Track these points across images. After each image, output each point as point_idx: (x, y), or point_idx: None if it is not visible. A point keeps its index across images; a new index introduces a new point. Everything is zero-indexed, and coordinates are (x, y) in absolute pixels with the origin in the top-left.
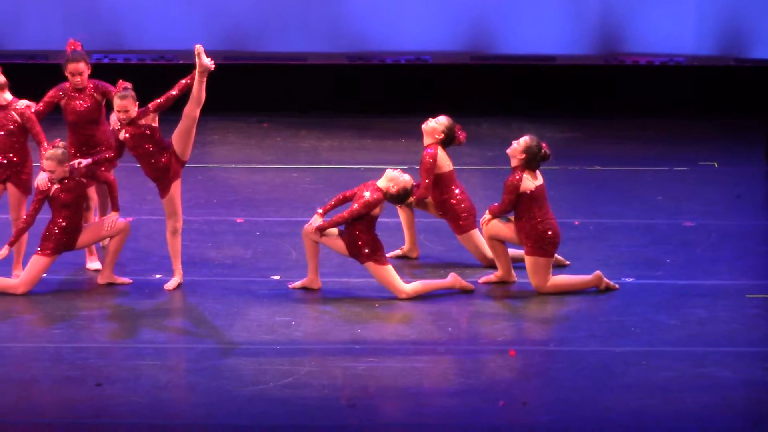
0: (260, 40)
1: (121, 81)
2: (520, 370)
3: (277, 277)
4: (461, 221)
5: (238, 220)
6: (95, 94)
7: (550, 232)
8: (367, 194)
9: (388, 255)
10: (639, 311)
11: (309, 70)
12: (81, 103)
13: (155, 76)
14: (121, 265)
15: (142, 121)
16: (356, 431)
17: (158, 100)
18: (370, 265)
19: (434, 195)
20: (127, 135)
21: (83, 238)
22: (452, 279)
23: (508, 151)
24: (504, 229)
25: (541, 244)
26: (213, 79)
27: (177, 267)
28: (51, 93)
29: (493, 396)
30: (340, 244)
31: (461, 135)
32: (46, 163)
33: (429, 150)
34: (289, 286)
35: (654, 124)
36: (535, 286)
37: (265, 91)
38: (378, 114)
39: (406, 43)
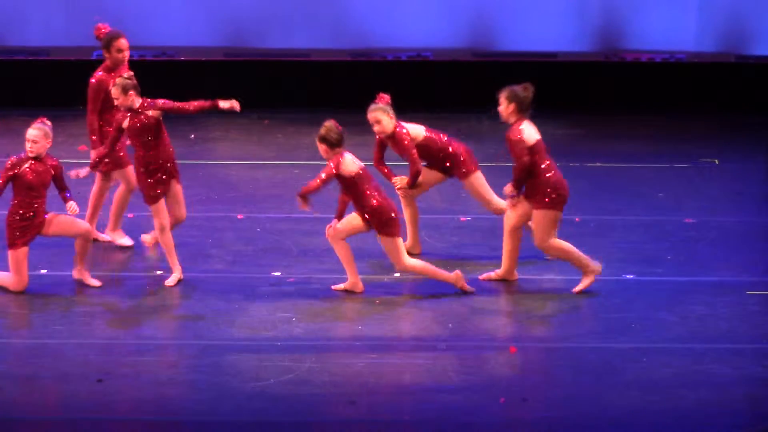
0: (262, 37)
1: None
2: (521, 367)
3: (277, 274)
4: (464, 168)
5: (239, 217)
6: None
7: (558, 185)
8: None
9: None
10: (639, 308)
11: (311, 67)
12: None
13: (156, 72)
14: (122, 261)
15: (149, 113)
16: (357, 428)
17: (171, 105)
18: (380, 238)
19: (432, 149)
20: (130, 124)
21: (54, 229)
22: (455, 276)
23: (501, 115)
24: (523, 215)
25: (550, 196)
26: (214, 74)
27: (174, 263)
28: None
29: (494, 393)
30: (359, 226)
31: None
32: (34, 134)
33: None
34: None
35: (655, 121)
36: (539, 240)
37: (267, 88)
38: None
39: (407, 39)
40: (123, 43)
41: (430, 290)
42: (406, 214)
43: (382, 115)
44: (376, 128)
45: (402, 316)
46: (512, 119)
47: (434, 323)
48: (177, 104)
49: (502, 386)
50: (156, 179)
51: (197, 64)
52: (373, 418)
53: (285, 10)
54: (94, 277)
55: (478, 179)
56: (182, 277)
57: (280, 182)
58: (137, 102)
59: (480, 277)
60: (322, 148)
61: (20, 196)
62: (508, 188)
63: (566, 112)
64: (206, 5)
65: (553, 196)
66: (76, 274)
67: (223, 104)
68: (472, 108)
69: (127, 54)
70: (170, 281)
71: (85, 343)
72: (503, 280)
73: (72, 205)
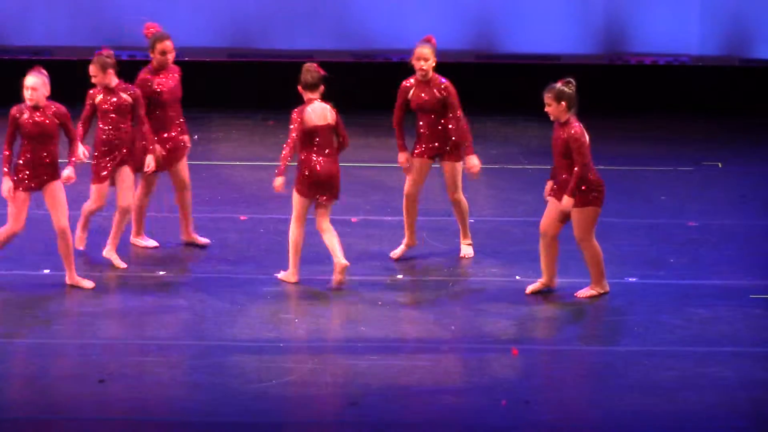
0: (266, 38)
1: (104, 48)
2: (523, 369)
3: (280, 275)
4: (461, 150)
5: (242, 218)
6: (176, 74)
7: (600, 185)
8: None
9: (392, 255)
10: (642, 311)
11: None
12: (167, 82)
13: None
14: (126, 261)
15: (124, 96)
16: (359, 429)
17: (141, 104)
18: (294, 190)
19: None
20: (101, 101)
21: (46, 199)
22: (294, 276)
23: (552, 116)
24: (561, 222)
25: (592, 194)
26: (218, 75)
27: (82, 238)
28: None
29: (496, 395)
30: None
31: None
32: (33, 81)
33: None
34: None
35: (658, 123)
36: (582, 236)
37: (270, 89)
38: (382, 112)
39: (410, 41)
40: (167, 45)
41: (433, 292)
42: (409, 218)
43: (431, 54)
44: (421, 65)
45: (404, 318)
46: (563, 117)
47: (436, 325)
48: (142, 110)
49: (504, 388)
50: (108, 160)
51: (201, 64)
52: (375, 420)
53: (288, 12)
54: (89, 277)
55: (461, 167)
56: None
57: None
58: (114, 81)
59: (528, 291)
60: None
61: (24, 144)
62: (569, 202)
63: None
64: (210, 6)
65: (595, 194)
66: (68, 279)
67: (149, 161)
68: (475, 110)
69: (170, 57)
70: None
71: (87, 343)
72: (546, 289)
73: (69, 173)
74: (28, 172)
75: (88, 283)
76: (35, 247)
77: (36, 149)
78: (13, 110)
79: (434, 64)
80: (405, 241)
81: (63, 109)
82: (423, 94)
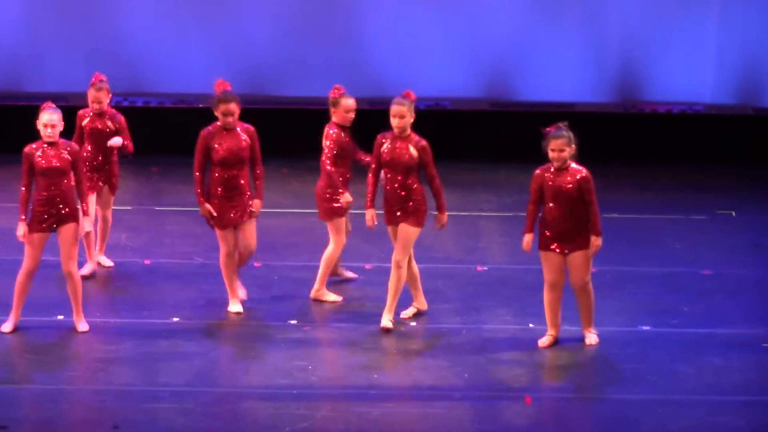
0: (280, 85)
1: (97, 73)
2: (536, 418)
3: (294, 322)
4: (424, 216)
5: (256, 264)
6: (244, 135)
7: None
8: None
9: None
10: (655, 359)
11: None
12: (227, 142)
13: (175, 119)
14: (140, 308)
15: (109, 123)
16: None
17: (125, 131)
18: None
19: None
20: (89, 122)
21: (60, 240)
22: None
23: (560, 162)
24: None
25: (589, 237)
26: None
27: (91, 255)
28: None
29: None
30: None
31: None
32: (51, 118)
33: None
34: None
35: (672, 172)
36: (586, 279)
37: (285, 136)
38: None
39: (425, 88)
40: (230, 107)
41: (446, 340)
42: (412, 280)
43: (407, 111)
44: (397, 123)
45: (417, 366)
46: (568, 162)
47: (450, 373)
48: (129, 143)
49: None
50: (92, 177)
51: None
52: None
53: (303, 59)
54: (92, 320)
55: (417, 232)
56: (97, 268)
57: (298, 230)
58: (106, 107)
59: (540, 345)
60: None
61: (39, 183)
62: (599, 241)
63: (583, 162)
64: (225, 53)
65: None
66: (80, 327)
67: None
68: (490, 157)
69: (230, 119)
70: (85, 270)
71: (101, 389)
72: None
73: (87, 227)
74: (42, 211)
75: (82, 326)
76: (50, 292)
77: (50, 187)
78: (27, 149)
79: (411, 121)
80: (414, 303)
81: (76, 146)
82: (396, 150)
